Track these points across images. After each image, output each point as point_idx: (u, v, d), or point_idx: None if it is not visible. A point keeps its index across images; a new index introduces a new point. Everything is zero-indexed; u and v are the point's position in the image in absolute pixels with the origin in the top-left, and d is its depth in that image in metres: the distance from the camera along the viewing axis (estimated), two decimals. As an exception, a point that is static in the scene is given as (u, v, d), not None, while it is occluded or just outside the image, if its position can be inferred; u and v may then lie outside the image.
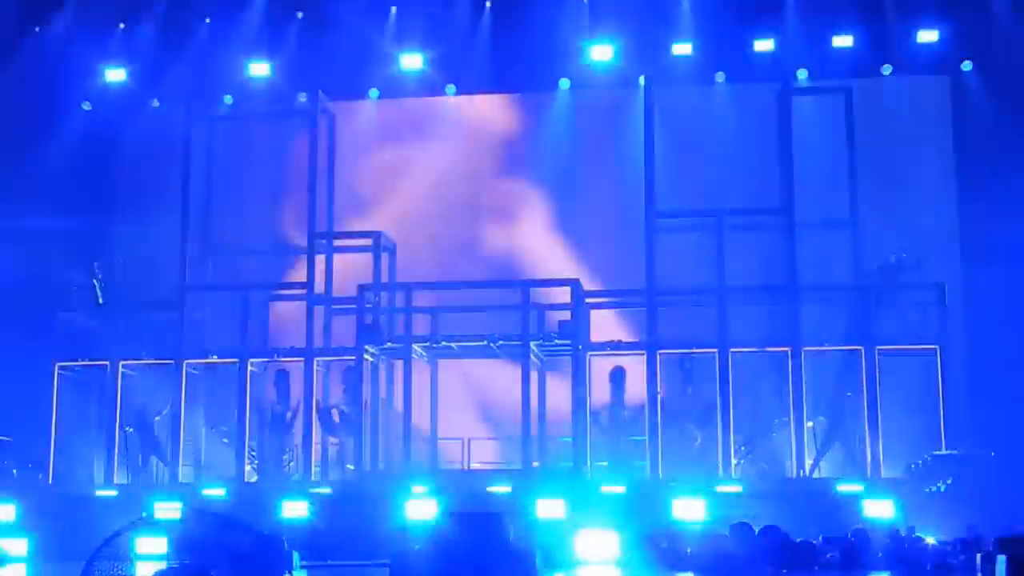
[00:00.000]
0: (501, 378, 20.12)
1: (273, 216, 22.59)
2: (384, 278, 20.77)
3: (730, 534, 13.81)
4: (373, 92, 22.86)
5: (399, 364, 19.97)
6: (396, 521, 16.73)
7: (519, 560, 11.81)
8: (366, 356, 19.74)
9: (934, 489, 17.44)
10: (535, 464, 19.18)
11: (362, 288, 20.02)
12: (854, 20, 20.99)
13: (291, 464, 20.66)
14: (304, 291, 20.56)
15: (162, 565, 10.91)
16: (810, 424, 19.36)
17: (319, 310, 20.63)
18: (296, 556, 12.61)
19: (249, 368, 20.32)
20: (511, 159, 22.82)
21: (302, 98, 21.96)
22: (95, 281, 21.03)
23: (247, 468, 20.28)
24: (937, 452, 18.35)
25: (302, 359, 20.21)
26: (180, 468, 20.24)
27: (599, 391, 19.84)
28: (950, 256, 20.84)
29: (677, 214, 20.21)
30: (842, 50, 21.13)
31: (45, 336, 20.71)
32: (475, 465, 20.64)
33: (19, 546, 15.79)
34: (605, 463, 19.78)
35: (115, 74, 22.47)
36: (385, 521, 16.77)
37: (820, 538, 14.47)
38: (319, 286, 20.68)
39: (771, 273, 19.96)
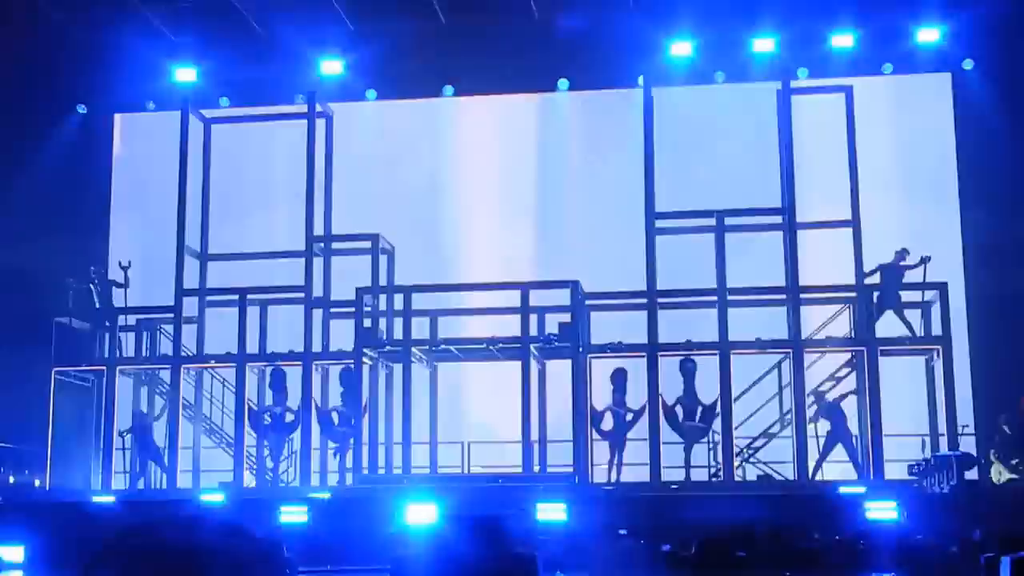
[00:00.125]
0: (501, 381, 20.02)
1: (271, 219, 22.51)
2: (382, 281, 20.69)
3: (731, 536, 13.73)
4: (371, 93, 22.80)
5: (398, 367, 19.88)
6: (395, 525, 16.61)
7: (520, 564, 11.73)
8: (365, 360, 19.66)
9: (937, 490, 17.35)
10: (535, 468, 19.09)
11: (360, 291, 19.94)
12: (854, 19, 20.94)
13: (290, 469, 20.57)
14: (302, 295, 20.48)
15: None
16: (812, 426, 19.28)
17: (317, 313, 20.56)
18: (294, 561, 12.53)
19: (247, 372, 20.27)
20: (510, 160, 22.74)
21: (299, 100, 21.90)
22: (92, 286, 20.96)
23: (246, 473, 20.20)
24: (939, 453, 18.27)
25: (300, 363, 20.13)
26: (178, 474, 20.15)
27: (601, 393, 19.75)
28: (952, 256, 20.77)
29: (677, 215, 20.14)
30: (842, 49, 21.09)
31: (42, 342, 20.63)
32: (475, 469, 20.55)
33: (15, 553, 15.68)
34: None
35: (110, 76, 22.40)
36: (384, 525, 16.65)
37: (822, 540, 14.40)
38: (317, 289, 20.61)
39: (771, 274, 19.89)
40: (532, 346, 19.19)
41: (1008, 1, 20.52)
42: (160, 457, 20.52)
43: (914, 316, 19.57)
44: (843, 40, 21.02)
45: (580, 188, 22.43)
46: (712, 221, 19.80)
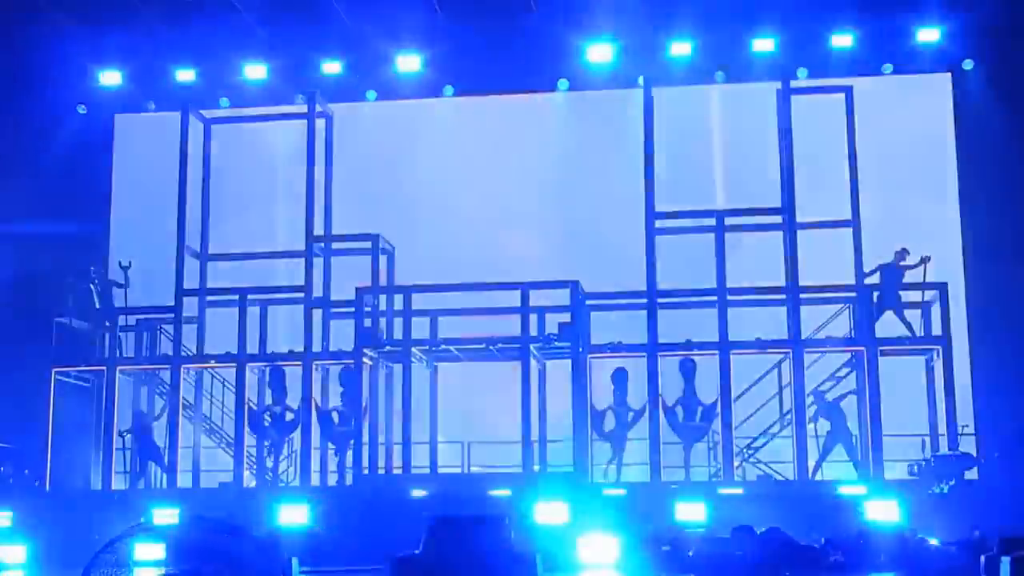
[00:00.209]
0: (501, 381, 20.01)
1: (270, 219, 22.50)
2: (382, 281, 20.68)
3: (732, 537, 13.75)
4: (371, 94, 22.79)
5: (398, 367, 19.88)
6: (395, 525, 16.62)
7: (520, 564, 11.73)
8: (365, 360, 19.65)
9: (937, 490, 17.35)
10: (535, 468, 19.08)
11: (360, 291, 19.94)
12: (854, 18, 20.92)
13: (289, 468, 20.57)
14: (302, 295, 20.47)
15: (159, 571, 10.84)
16: (812, 426, 19.28)
17: (317, 313, 20.55)
18: (295, 562, 12.53)
19: (247, 372, 20.27)
20: (509, 160, 22.72)
21: (299, 100, 21.89)
22: (92, 286, 20.96)
23: (245, 473, 20.20)
24: (940, 453, 18.27)
25: (300, 363, 20.12)
26: (178, 473, 20.15)
27: (601, 393, 19.74)
28: (952, 255, 20.76)
29: (677, 215, 20.13)
30: (842, 49, 21.07)
31: (42, 341, 20.64)
32: (475, 469, 20.54)
33: (17, 553, 15.69)
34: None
35: (110, 76, 22.39)
36: (384, 525, 16.67)
37: (823, 540, 14.41)
38: (317, 289, 20.60)
39: (771, 273, 19.89)
40: (532, 346, 19.18)
41: (1007, 1, 20.51)
42: (160, 457, 20.51)
43: (914, 316, 19.57)
44: (843, 40, 21.00)
45: (580, 188, 22.41)
46: (712, 221, 19.79)
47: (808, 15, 20.88)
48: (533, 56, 21.78)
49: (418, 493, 18.26)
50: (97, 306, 20.97)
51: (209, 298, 21.13)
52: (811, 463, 19.08)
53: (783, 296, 19.61)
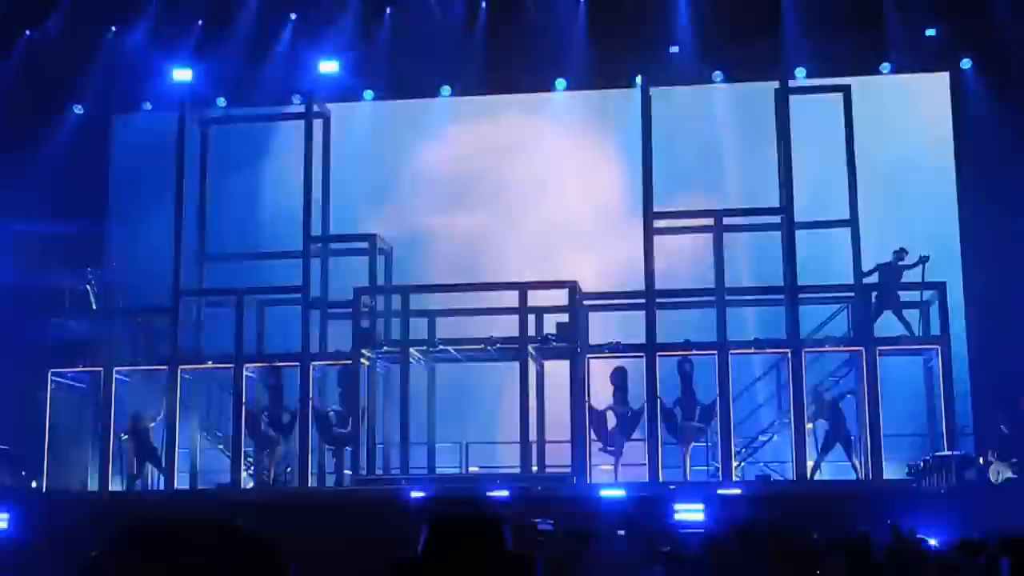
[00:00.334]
0: (499, 381, 19.99)
1: (268, 219, 22.46)
2: (380, 281, 20.64)
3: (731, 536, 13.69)
4: (368, 94, 22.76)
5: (396, 368, 19.84)
6: (395, 527, 16.56)
7: (518, 566, 11.69)
8: (363, 360, 19.62)
9: (936, 490, 17.33)
10: (534, 469, 19.06)
11: (358, 291, 19.90)
12: (852, 18, 20.89)
13: (287, 470, 20.52)
14: (300, 295, 20.43)
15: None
16: (810, 426, 19.25)
17: (315, 314, 20.51)
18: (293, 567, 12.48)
19: (245, 373, 20.22)
20: (508, 160, 22.70)
21: (296, 100, 21.86)
22: (89, 287, 20.91)
23: (243, 474, 20.16)
24: (939, 453, 18.24)
25: (298, 363, 20.08)
26: (175, 475, 20.10)
27: (599, 393, 19.70)
28: (950, 255, 20.74)
29: (675, 215, 20.10)
30: (840, 48, 21.03)
31: (39, 342, 20.60)
32: (473, 469, 20.51)
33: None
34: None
35: (107, 77, 22.35)
36: (383, 527, 16.61)
37: (822, 540, 14.36)
38: (315, 290, 20.56)
39: (770, 274, 19.86)
40: (530, 346, 19.16)
41: (1006, 1, 20.49)
42: (157, 458, 20.45)
43: (913, 316, 19.54)
44: (841, 40, 20.97)
45: (578, 188, 22.38)
46: (711, 221, 19.76)
47: (806, 14, 20.85)
48: (531, 56, 21.74)
49: (416, 495, 18.22)
50: (94, 307, 20.92)
51: (207, 298, 21.07)
52: (810, 463, 19.06)
53: (782, 296, 19.57)
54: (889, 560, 13.45)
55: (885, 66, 21.47)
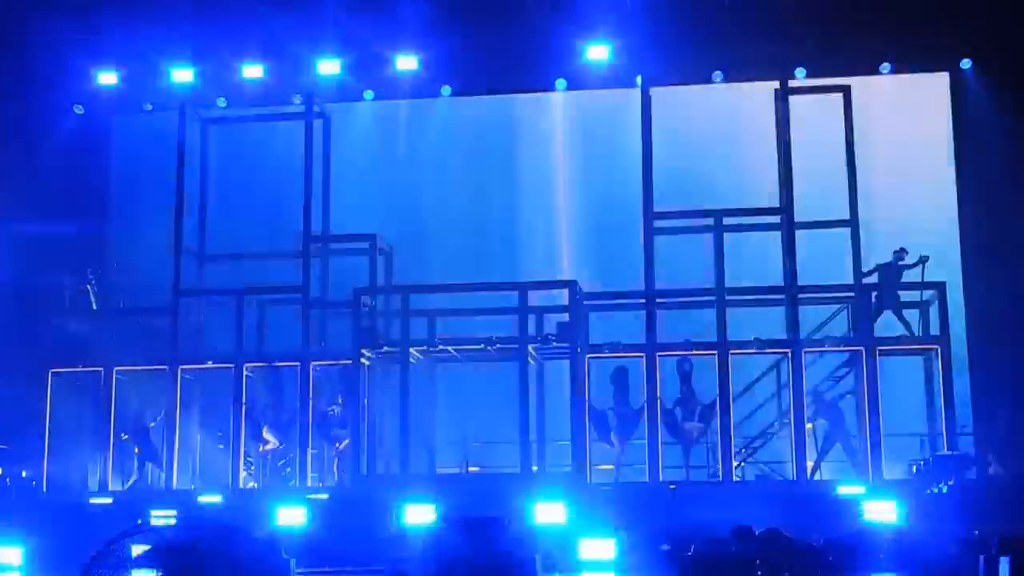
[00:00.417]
0: (499, 381, 19.99)
1: (268, 219, 22.47)
2: (380, 281, 20.65)
3: (731, 536, 13.69)
4: (368, 94, 22.76)
5: (396, 368, 19.84)
6: (394, 526, 16.59)
7: (518, 565, 11.71)
8: (363, 360, 19.63)
9: (936, 490, 17.34)
10: (534, 468, 19.06)
11: (358, 291, 19.91)
12: (852, 18, 20.88)
13: (287, 469, 20.54)
14: (300, 295, 20.43)
15: (156, 572, 10.81)
16: (810, 426, 19.26)
17: (315, 314, 20.52)
18: (293, 563, 12.50)
19: (245, 372, 20.24)
20: (507, 160, 22.71)
21: (297, 100, 21.86)
22: (89, 287, 20.92)
23: (243, 474, 20.16)
24: (939, 453, 18.26)
25: (298, 363, 20.09)
26: (175, 475, 20.11)
27: (599, 393, 19.72)
28: (950, 255, 20.75)
29: (675, 214, 20.11)
30: (840, 48, 21.02)
31: (39, 342, 20.60)
32: (473, 469, 20.52)
33: (13, 555, 15.63)
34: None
35: (107, 77, 22.34)
36: (383, 527, 16.64)
37: (821, 540, 14.36)
38: (315, 289, 20.57)
39: (770, 274, 19.87)
40: (530, 346, 19.17)
41: (1005, 1, 20.49)
42: (158, 458, 20.46)
43: (912, 316, 19.55)
44: (838, 40, 20.95)
45: (578, 188, 22.39)
46: (711, 221, 19.77)
47: (805, 15, 20.85)
48: (531, 56, 21.74)
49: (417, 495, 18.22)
50: (94, 307, 20.92)
51: (207, 298, 21.07)
52: (810, 463, 19.07)
53: (782, 296, 19.58)
54: (888, 560, 13.47)
55: (885, 66, 21.47)
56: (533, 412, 19.22)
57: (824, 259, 20.05)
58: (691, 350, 19.46)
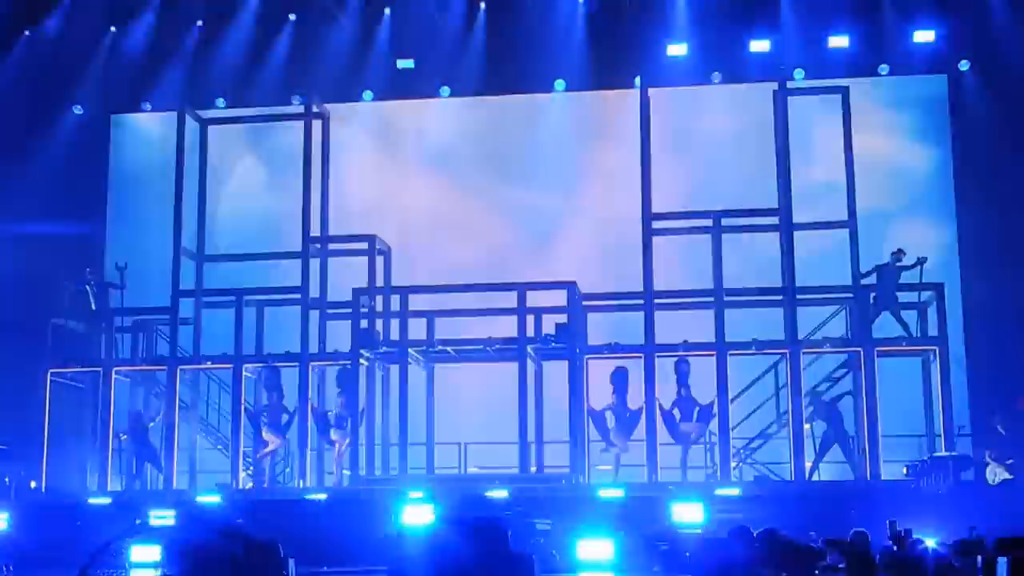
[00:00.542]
0: (498, 382, 20.01)
1: (267, 220, 22.50)
2: (379, 282, 20.68)
3: (729, 537, 13.71)
4: (367, 95, 22.79)
5: (395, 368, 19.87)
6: (393, 527, 16.60)
7: (518, 566, 11.72)
8: (361, 361, 19.65)
9: (933, 491, 17.36)
10: (532, 469, 19.08)
11: (357, 292, 19.93)
12: (850, 20, 20.95)
13: (286, 470, 20.55)
14: (299, 295, 20.45)
15: (156, 573, 10.82)
16: (808, 427, 19.28)
17: (314, 314, 20.54)
18: (292, 563, 12.51)
19: (244, 373, 20.25)
20: (506, 161, 22.74)
21: (296, 101, 21.88)
22: (88, 287, 20.93)
23: (242, 474, 20.18)
24: (936, 454, 18.28)
25: (297, 364, 20.10)
26: (174, 475, 20.12)
27: (598, 393, 19.74)
28: (948, 256, 20.78)
29: (674, 215, 20.13)
30: (838, 50, 21.08)
31: (38, 342, 20.61)
32: (472, 470, 20.53)
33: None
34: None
35: (107, 77, 22.37)
36: (382, 527, 16.65)
37: (819, 541, 14.38)
38: (314, 290, 20.59)
39: (769, 275, 19.89)
40: (529, 347, 19.18)
41: (1004, 2, 20.53)
42: (157, 458, 20.47)
43: (911, 317, 19.58)
44: (839, 41, 21.01)
45: (577, 189, 22.41)
46: (709, 222, 19.79)
47: (804, 16, 20.90)
48: (530, 57, 21.78)
49: (415, 495, 18.25)
50: (93, 307, 20.93)
51: (205, 299, 21.10)
52: (808, 464, 19.09)
53: (780, 297, 19.60)
54: (887, 560, 13.49)
55: (883, 67, 21.50)
56: (532, 413, 19.22)
57: (822, 260, 20.07)
58: (689, 351, 19.48)
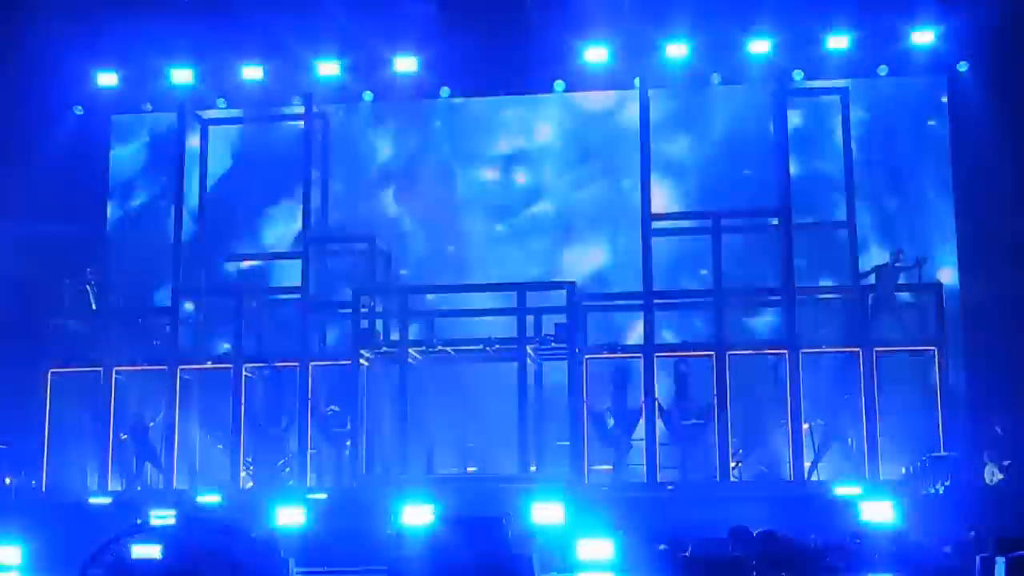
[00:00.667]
0: (498, 382, 20.03)
1: (267, 220, 22.51)
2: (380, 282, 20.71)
3: (728, 537, 13.74)
4: (367, 95, 22.80)
5: (395, 368, 19.88)
6: (393, 527, 16.62)
7: (517, 565, 11.75)
8: (361, 361, 19.66)
9: (932, 491, 17.38)
10: (532, 469, 19.10)
11: (357, 292, 19.94)
12: (849, 20, 20.93)
13: (286, 470, 20.57)
14: (299, 295, 20.46)
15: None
16: (807, 427, 19.30)
17: (314, 315, 20.55)
18: (292, 562, 12.53)
19: (244, 373, 20.27)
20: (505, 161, 22.75)
21: (296, 101, 21.89)
22: (88, 287, 20.95)
23: (242, 474, 20.19)
24: (935, 454, 18.29)
25: (297, 364, 20.11)
26: (175, 475, 20.13)
27: (598, 394, 19.75)
28: (947, 257, 20.79)
29: (673, 216, 20.15)
30: (837, 51, 21.08)
31: (38, 342, 20.63)
32: (471, 470, 20.54)
33: (13, 554, 15.65)
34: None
35: (106, 78, 22.35)
36: (382, 527, 16.67)
37: (818, 541, 14.41)
38: (314, 290, 20.59)
39: (768, 275, 19.90)
40: (529, 347, 19.20)
41: (1003, 3, 20.53)
42: (157, 458, 20.49)
43: (910, 317, 19.59)
44: (838, 42, 21.00)
45: (577, 189, 22.42)
46: (708, 222, 19.80)
47: (804, 17, 20.89)
48: (530, 57, 21.77)
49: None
50: (94, 307, 20.95)
51: (206, 299, 21.11)
52: (807, 464, 19.10)
53: (779, 297, 19.62)
54: (884, 561, 13.51)
55: (883, 68, 21.51)
56: (531, 413, 19.24)
57: (822, 260, 20.09)
58: (689, 351, 19.49)
